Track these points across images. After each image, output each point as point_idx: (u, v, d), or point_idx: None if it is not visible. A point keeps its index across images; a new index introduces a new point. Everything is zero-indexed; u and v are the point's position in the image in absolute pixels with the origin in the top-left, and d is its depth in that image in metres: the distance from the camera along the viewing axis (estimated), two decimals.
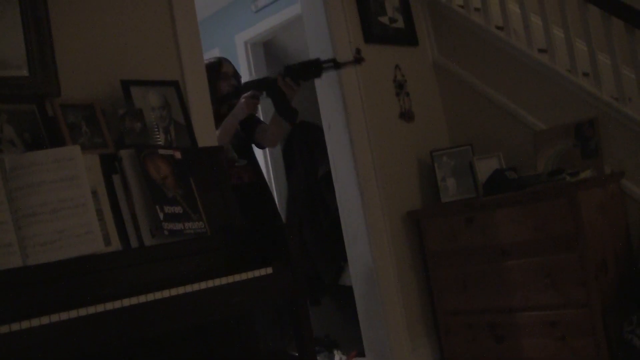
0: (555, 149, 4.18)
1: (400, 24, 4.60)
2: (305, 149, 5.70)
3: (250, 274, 2.44)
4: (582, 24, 4.15)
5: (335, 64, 3.62)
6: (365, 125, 4.22)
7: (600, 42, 4.16)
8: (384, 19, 4.47)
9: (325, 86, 4.34)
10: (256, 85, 3.80)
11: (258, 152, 5.76)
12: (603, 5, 4.00)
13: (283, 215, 5.64)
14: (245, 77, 5.84)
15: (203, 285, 2.29)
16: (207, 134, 3.31)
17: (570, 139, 4.13)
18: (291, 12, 5.36)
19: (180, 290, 2.22)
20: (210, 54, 6.02)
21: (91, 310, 1.98)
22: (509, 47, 4.47)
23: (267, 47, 6.10)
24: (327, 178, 4.70)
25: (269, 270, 2.50)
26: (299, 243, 3.30)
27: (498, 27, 4.60)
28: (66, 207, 2.21)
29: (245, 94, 3.77)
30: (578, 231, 3.52)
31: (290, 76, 3.60)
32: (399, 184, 4.29)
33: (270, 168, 5.73)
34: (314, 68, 3.61)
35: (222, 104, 3.94)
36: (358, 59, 3.65)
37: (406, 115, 4.40)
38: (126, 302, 2.06)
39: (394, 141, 4.34)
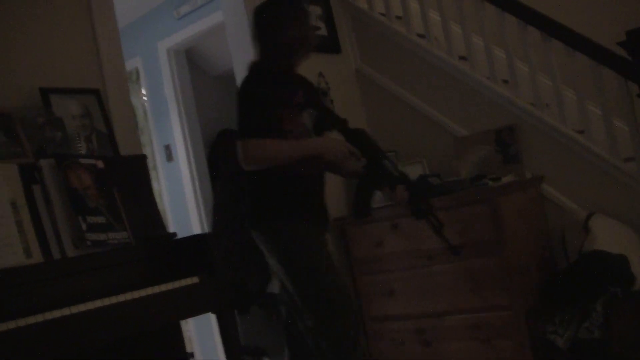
0: (477, 155, 4.26)
1: (323, 31, 4.62)
2: (229, 156, 5.67)
3: (176, 284, 2.41)
4: (500, 32, 4.25)
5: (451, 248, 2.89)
6: None
7: (518, 50, 4.27)
8: None
9: None
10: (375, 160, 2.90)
11: (183, 158, 5.72)
12: (520, 14, 4.11)
13: (209, 224, 5.60)
14: (168, 85, 5.79)
15: (128, 296, 2.25)
16: (129, 143, 3.26)
17: (491, 145, 4.22)
18: (214, 20, 5.33)
19: (105, 301, 2.18)
20: (132, 62, 5.94)
21: (12, 325, 1.91)
22: (430, 55, 4.53)
23: (190, 55, 6.05)
24: None
25: (195, 279, 2.47)
26: (225, 252, 3.27)
27: (419, 35, 4.67)
28: None
29: (348, 145, 2.87)
30: (500, 236, 3.59)
31: (415, 197, 2.88)
32: (328, 189, 4.28)
33: (195, 175, 5.68)
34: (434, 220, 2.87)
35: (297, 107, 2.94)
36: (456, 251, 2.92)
37: None
38: (48, 315, 2.01)
39: None
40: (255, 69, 2.93)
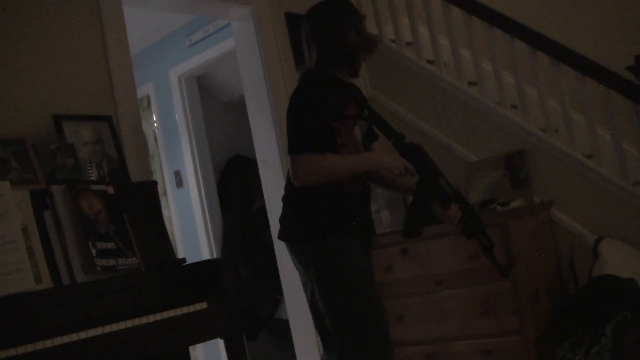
0: (487, 179, 4.26)
1: None
2: (240, 183, 5.71)
3: (184, 309, 2.42)
4: (510, 57, 4.27)
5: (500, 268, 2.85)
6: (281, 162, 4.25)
7: (527, 75, 4.28)
8: None
9: (258, 120, 4.37)
10: (425, 174, 2.78)
11: (193, 184, 5.75)
12: (529, 40, 4.13)
13: (218, 250, 5.61)
14: (179, 111, 5.83)
15: (137, 321, 2.26)
16: (140, 169, 3.29)
17: (501, 170, 4.22)
18: (225, 47, 5.37)
19: (114, 327, 2.19)
20: (144, 89, 5.99)
21: (20, 350, 1.93)
22: (440, 81, 4.56)
23: (201, 82, 6.10)
24: (263, 212, 4.70)
25: (204, 305, 2.48)
26: (235, 277, 3.27)
27: (429, 61, 4.69)
28: None
29: (404, 161, 2.73)
30: (509, 260, 3.58)
31: (467, 216, 2.79)
32: None
33: (205, 201, 5.71)
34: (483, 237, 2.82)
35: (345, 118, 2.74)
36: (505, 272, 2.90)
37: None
38: (57, 340, 2.02)
39: None
40: (308, 77, 2.76)
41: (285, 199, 2.81)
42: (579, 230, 3.98)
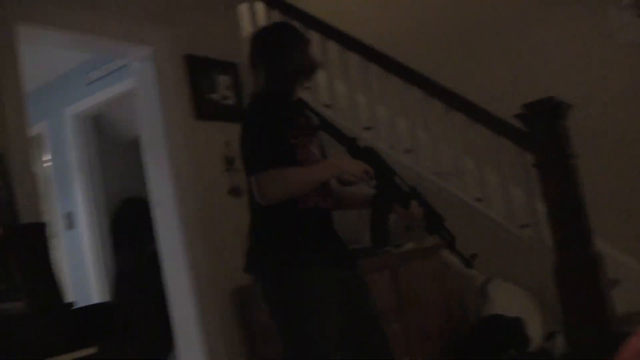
0: None
1: (231, 101, 4.66)
2: (134, 226, 5.62)
3: (74, 355, 2.37)
4: (404, 103, 4.38)
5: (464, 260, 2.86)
6: (194, 202, 4.21)
7: (421, 120, 4.41)
8: (216, 96, 4.53)
9: (154, 163, 4.32)
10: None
11: (85, 226, 5.62)
12: (423, 87, 4.26)
13: (110, 293, 5.50)
14: (73, 151, 5.71)
15: None
16: (30, 210, 3.20)
17: (393, 214, 4.29)
18: (124, 86, 5.31)
19: None
20: (37, 127, 5.85)
21: None
22: (336, 124, 4.61)
23: (98, 121, 6.00)
24: (156, 256, 4.63)
25: (94, 350, 2.43)
26: (126, 322, 3.21)
27: (326, 105, 4.76)
28: None
29: (363, 163, 2.67)
30: (401, 302, 3.65)
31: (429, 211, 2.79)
32: (229, 260, 4.26)
33: (97, 244, 5.59)
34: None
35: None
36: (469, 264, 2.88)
37: (236, 191, 4.43)
38: None
39: (223, 217, 4.33)
40: (261, 96, 2.72)
41: (250, 227, 2.73)
42: (468, 271, 4.08)
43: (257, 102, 2.71)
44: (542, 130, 3.53)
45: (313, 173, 2.61)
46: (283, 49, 2.75)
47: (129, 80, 4.93)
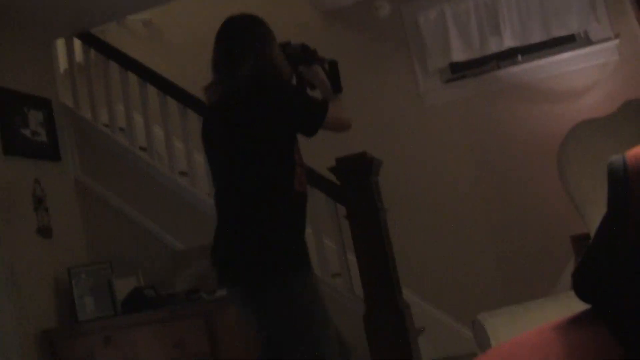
0: (194, 268, 4.31)
1: (43, 137, 4.50)
2: None
3: None
4: None
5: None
6: None
7: None
8: (26, 132, 4.34)
9: None
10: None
11: None
12: None
13: None
14: None
15: None
16: None
17: (207, 259, 4.29)
18: None
19: None
20: None
21: None
22: (152, 169, 4.59)
23: None
24: None
25: None
26: None
27: (142, 149, 4.71)
28: None
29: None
30: (214, 349, 3.63)
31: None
32: (34, 302, 4.07)
33: None
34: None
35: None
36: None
37: (44, 231, 4.25)
38: None
39: (30, 257, 4.14)
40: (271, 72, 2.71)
41: (248, 224, 2.60)
42: None
43: (274, 77, 2.70)
44: (353, 184, 3.68)
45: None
46: (267, 40, 2.74)
47: None
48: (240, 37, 2.71)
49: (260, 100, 2.61)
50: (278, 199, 2.59)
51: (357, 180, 3.69)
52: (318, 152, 4.72)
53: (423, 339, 3.86)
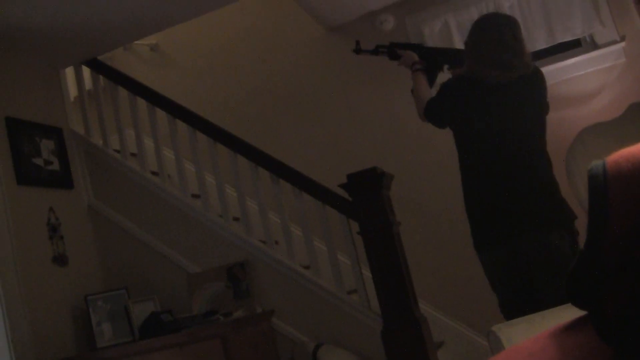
0: (209, 290, 4.31)
1: (55, 166, 4.53)
2: None
3: None
4: (233, 171, 4.43)
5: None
6: (15, 271, 4.00)
7: (249, 188, 4.47)
8: (39, 161, 4.38)
9: None
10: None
11: None
12: (251, 156, 4.34)
13: None
14: None
15: None
16: None
17: (223, 281, 4.30)
18: None
19: None
20: None
21: None
22: (164, 193, 4.60)
23: None
24: None
25: None
26: None
27: (153, 173, 4.73)
28: None
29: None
30: None
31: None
32: (52, 330, 4.09)
33: None
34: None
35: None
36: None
37: (60, 259, 4.27)
38: None
39: (46, 286, 4.16)
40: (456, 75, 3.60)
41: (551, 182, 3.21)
42: (299, 337, 4.13)
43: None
44: (365, 199, 3.68)
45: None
46: (474, 46, 3.40)
47: None
48: (517, 28, 3.30)
49: (542, 84, 3.34)
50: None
51: (368, 195, 3.69)
52: (328, 169, 4.76)
53: (442, 353, 3.85)
